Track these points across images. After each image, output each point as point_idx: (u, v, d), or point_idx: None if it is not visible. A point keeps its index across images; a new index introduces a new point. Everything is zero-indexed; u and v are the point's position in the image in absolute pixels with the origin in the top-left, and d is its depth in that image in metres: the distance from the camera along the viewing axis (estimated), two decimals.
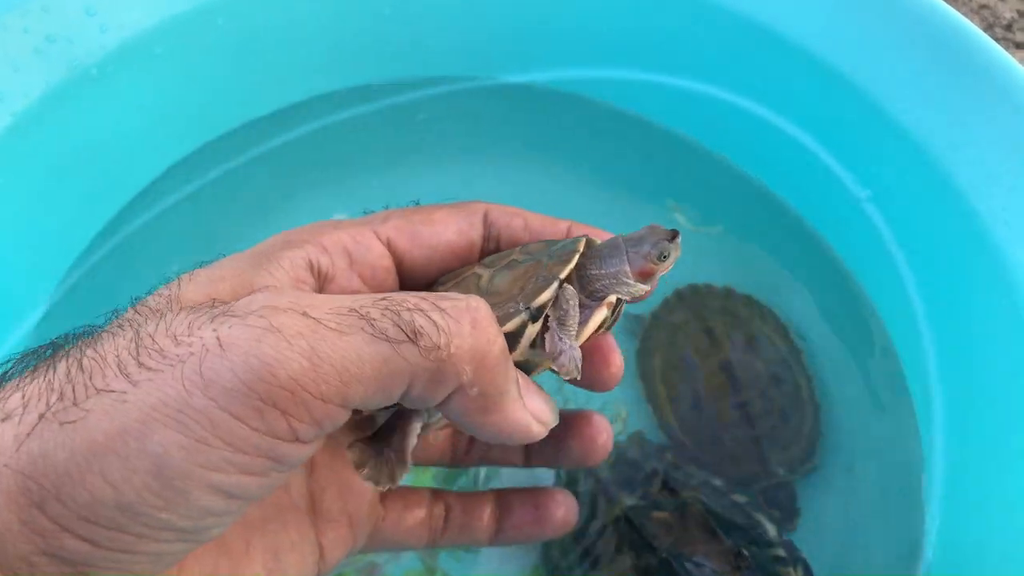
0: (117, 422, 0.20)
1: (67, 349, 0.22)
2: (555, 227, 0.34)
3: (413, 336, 0.22)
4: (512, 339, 0.29)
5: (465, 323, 0.24)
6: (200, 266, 0.28)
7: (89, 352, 0.21)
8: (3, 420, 0.21)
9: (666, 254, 0.33)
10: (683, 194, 0.58)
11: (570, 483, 0.47)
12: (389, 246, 0.31)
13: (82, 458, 0.20)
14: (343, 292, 0.30)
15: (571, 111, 0.59)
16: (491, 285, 0.31)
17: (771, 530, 0.44)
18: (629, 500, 0.44)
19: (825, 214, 0.55)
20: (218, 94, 0.54)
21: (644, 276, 0.33)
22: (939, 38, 0.46)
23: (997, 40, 0.79)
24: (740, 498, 0.46)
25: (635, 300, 0.33)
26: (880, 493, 0.49)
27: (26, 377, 0.22)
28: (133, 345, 0.21)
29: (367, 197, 0.57)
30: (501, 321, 0.28)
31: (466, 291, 0.30)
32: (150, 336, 0.21)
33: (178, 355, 0.20)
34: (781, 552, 0.43)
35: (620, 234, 0.35)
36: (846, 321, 0.54)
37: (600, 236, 0.35)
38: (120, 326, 0.23)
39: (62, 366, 0.21)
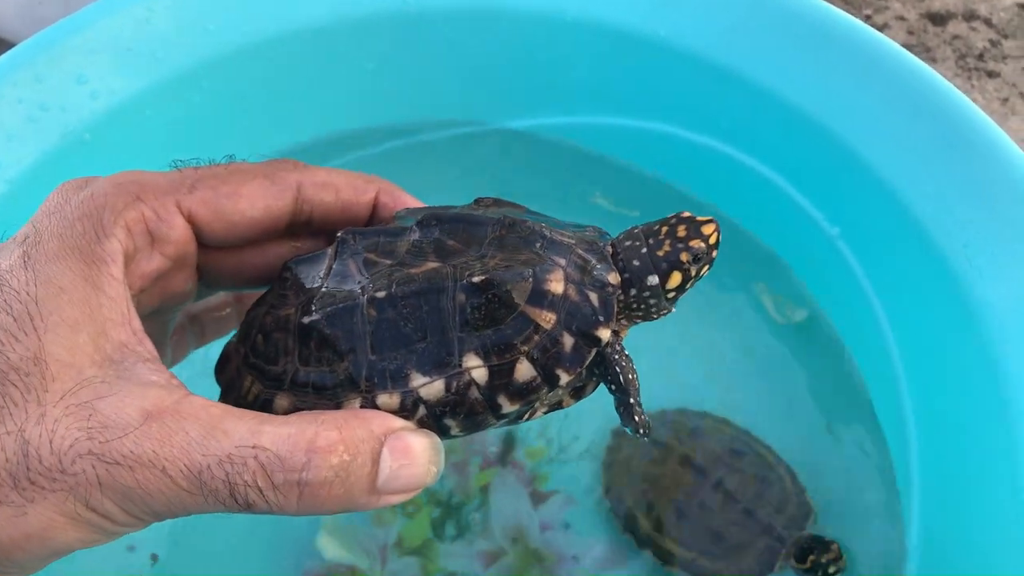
0: (21, 527, 0.26)
1: None
2: (364, 196, 0.34)
3: (245, 507, 0.27)
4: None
5: (292, 496, 0.27)
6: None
7: None
8: None
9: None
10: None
11: None
12: (190, 218, 0.31)
13: None
14: (143, 272, 0.30)
15: (547, 157, 0.61)
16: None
17: None
18: None
19: (800, 251, 0.56)
20: (207, 151, 0.55)
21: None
22: (900, 81, 0.48)
23: (969, 70, 0.81)
24: None
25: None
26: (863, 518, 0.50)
27: None
28: (22, 460, 0.25)
29: None
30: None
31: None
32: (37, 453, 0.25)
33: (65, 483, 0.26)
34: None
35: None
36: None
37: (410, 201, 0.35)
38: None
39: None
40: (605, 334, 0.30)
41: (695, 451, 0.51)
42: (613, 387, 0.31)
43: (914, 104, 0.48)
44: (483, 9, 0.55)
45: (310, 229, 0.35)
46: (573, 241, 0.31)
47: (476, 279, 0.29)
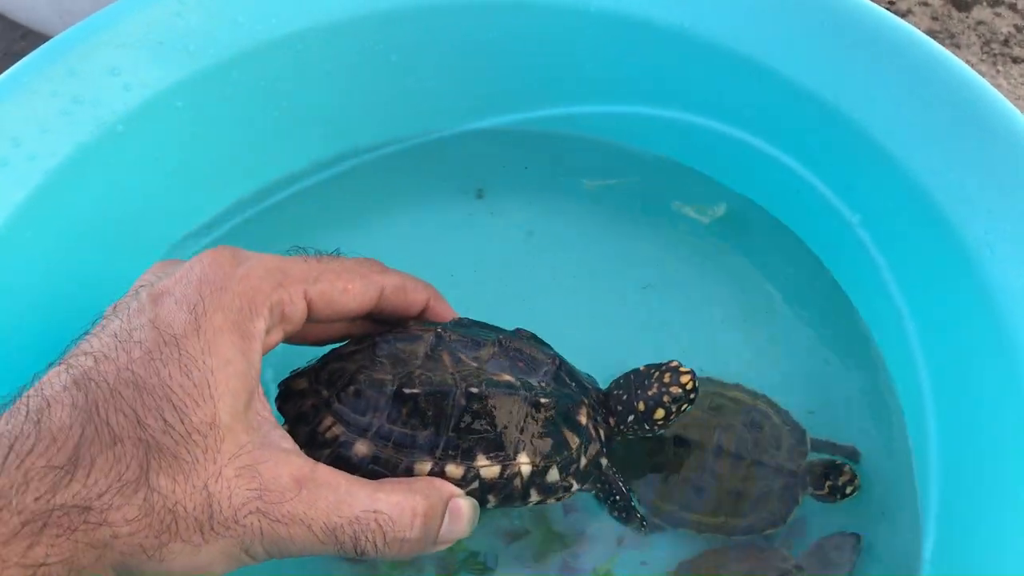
0: (191, 562, 0.31)
1: (160, 490, 0.31)
2: (420, 297, 0.42)
3: (360, 555, 0.34)
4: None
5: (395, 548, 0.34)
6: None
7: (180, 496, 0.31)
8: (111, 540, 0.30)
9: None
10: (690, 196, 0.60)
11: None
12: (309, 304, 0.37)
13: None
14: (265, 344, 0.36)
15: (577, 151, 0.61)
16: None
17: None
18: None
19: (822, 238, 0.57)
20: (236, 144, 0.57)
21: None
22: (918, 66, 0.48)
23: (994, 56, 0.80)
24: None
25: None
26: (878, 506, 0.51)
27: (134, 502, 0.30)
28: (208, 510, 0.31)
29: (384, 238, 0.60)
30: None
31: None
32: (219, 507, 0.31)
33: (236, 531, 0.32)
34: None
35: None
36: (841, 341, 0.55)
37: (450, 310, 0.44)
38: (184, 471, 0.31)
39: (159, 504, 0.30)
40: (604, 461, 0.42)
41: (682, 428, 0.51)
42: (617, 497, 0.44)
43: (931, 89, 0.48)
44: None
45: (370, 317, 0.42)
46: (590, 386, 0.43)
47: (543, 400, 0.39)
